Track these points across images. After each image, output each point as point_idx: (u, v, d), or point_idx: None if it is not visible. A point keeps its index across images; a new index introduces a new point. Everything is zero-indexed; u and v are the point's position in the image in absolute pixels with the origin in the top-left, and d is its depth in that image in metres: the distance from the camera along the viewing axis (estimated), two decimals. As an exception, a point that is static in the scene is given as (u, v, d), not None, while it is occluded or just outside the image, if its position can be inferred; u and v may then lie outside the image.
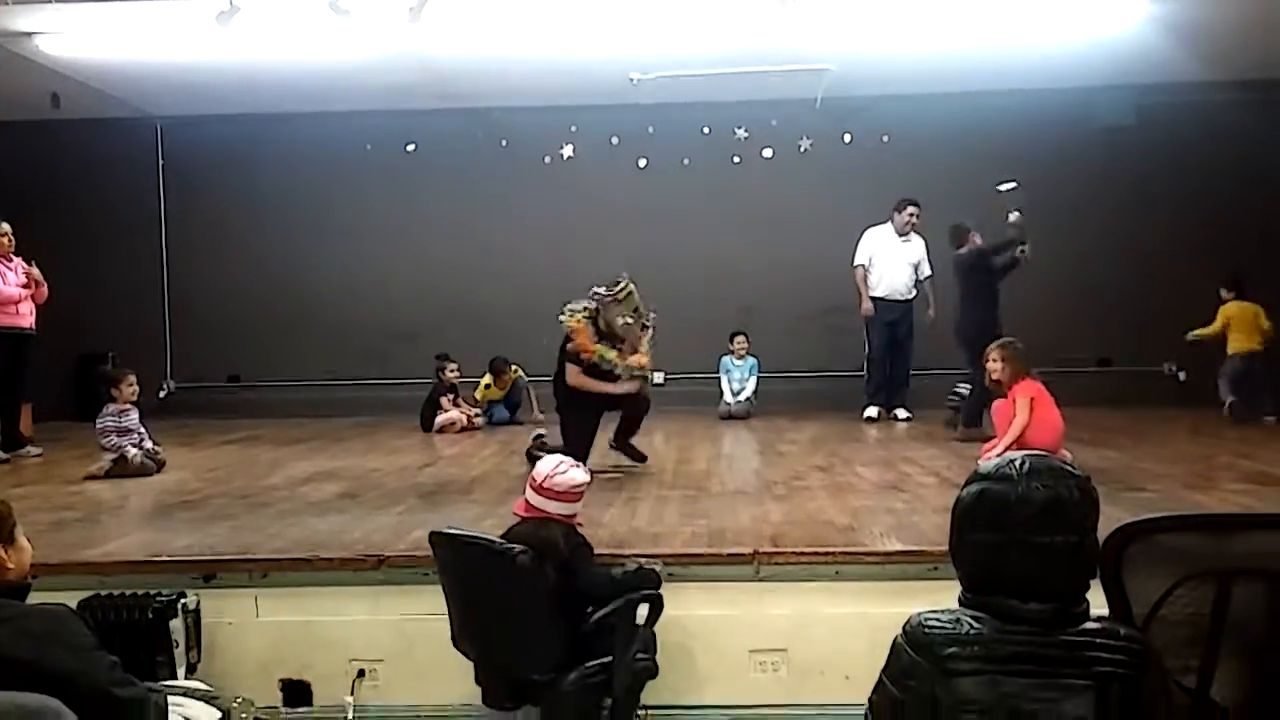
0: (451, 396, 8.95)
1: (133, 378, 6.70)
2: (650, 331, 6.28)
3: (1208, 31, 7.94)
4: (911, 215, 8.85)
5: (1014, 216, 7.46)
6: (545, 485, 3.64)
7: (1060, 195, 9.71)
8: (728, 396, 9.49)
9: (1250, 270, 9.00)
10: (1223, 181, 9.51)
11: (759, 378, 9.55)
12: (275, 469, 6.70)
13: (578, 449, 5.97)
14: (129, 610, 3.82)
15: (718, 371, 9.61)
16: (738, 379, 9.53)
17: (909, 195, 8.94)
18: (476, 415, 8.99)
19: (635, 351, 6.17)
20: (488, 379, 9.18)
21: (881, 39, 8.07)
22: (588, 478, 3.76)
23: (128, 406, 6.63)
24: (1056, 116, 9.64)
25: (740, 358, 9.57)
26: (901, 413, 8.91)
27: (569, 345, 6.11)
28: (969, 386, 7.45)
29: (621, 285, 6.07)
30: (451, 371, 9.02)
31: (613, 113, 9.91)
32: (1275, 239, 9.35)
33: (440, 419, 8.73)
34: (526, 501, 3.68)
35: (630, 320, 6.06)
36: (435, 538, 3.64)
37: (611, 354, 6.06)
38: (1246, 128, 9.26)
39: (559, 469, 3.68)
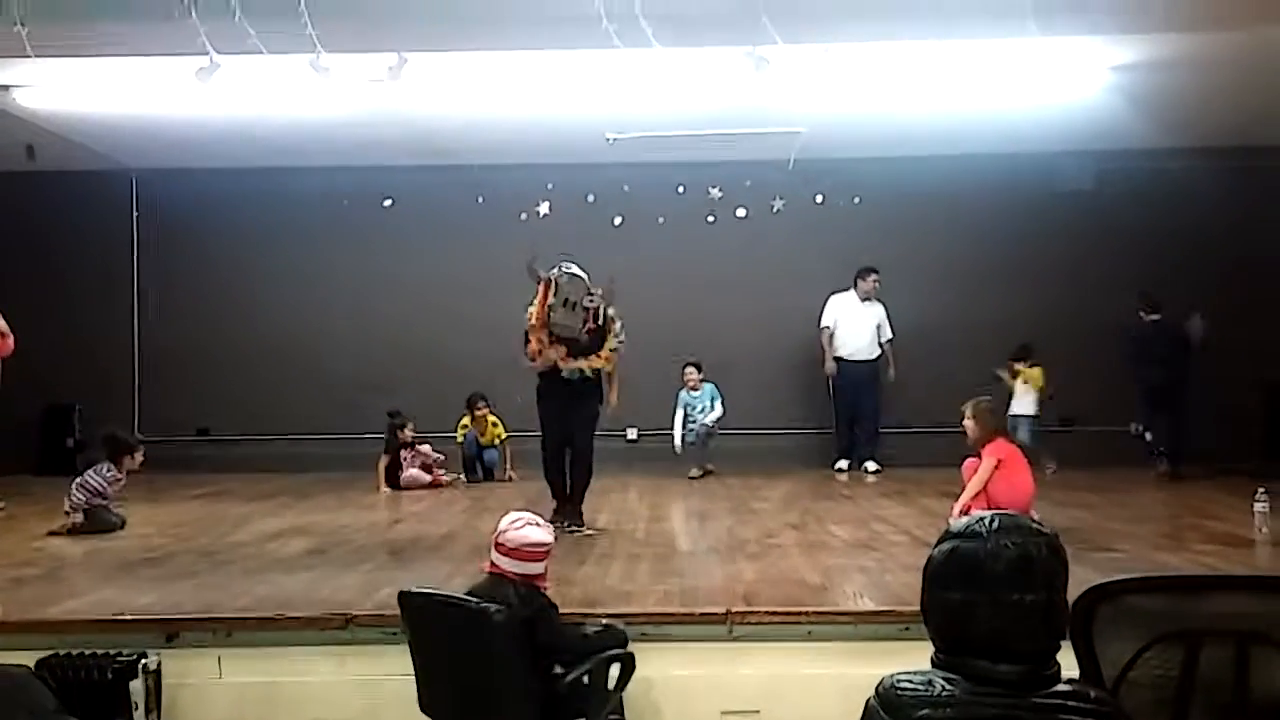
0: (411, 455, 8.75)
1: (143, 451, 6.61)
2: (618, 325, 6.14)
3: (1166, 100, 8.18)
4: (874, 282, 9.45)
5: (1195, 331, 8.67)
6: (500, 540, 3.56)
7: (1023, 257, 9.94)
8: (676, 436, 9.10)
9: (1213, 324, 9.24)
10: (1182, 245, 9.72)
11: (723, 401, 9.18)
12: (242, 525, 6.61)
13: (544, 449, 6.14)
14: (88, 670, 3.74)
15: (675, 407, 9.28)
16: (698, 410, 9.14)
17: (872, 261, 9.50)
18: (445, 475, 8.78)
19: (598, 347, 6.05)
20: (466, 419, 9.11)
21: (853, 103, 8.24)
22: (547, 537, 3.62)
23: (124, 477, 6.49)
24: (1021, 180, 9.87)
25: (695, 388, 9.25)
26: (871, 465, 9.26)
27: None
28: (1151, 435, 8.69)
29: (540, 282, 5.98)
30: (408, 431, 8.78)
31: (589, 171, 10.02)
32: (1235, 300, 9.53)
33: (404, 477, 8.60)
34: (490, 558, 3.62)
35: (566, 321, 5.92)
36: (405, 597, 3.57)
37: (550, 352, 6.04)
38: (1205, 193, 9.48)
39: (515, 524, 3.57)
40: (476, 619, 3.31)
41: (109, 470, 6.42)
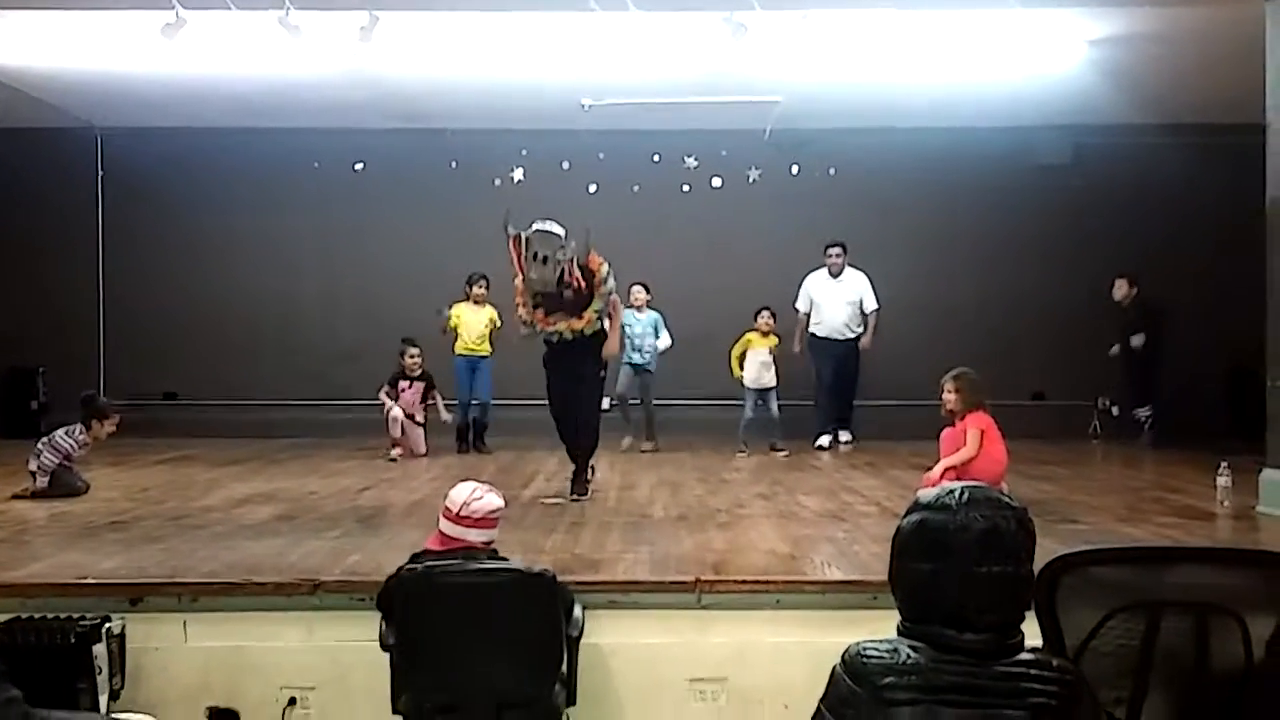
0: (410, 389, 8.36)
1: (118, 419, 6.49)
2: (606, 287, 5.94)
3: (1142, 76, 8.21)
4: (834, 256, 9.18)
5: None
6: (463, 514, 3.52)
7: (998, 231, 9.99)
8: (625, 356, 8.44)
9: (1183, 300, 9.35)
10: (1155, 219, 9.81)
11: (670, 334, 8.81)
12: (210, 490, 6.55)
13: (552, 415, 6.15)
14: (50, 634, 3.69)
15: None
16: (638, 334, 8.62)
17: (846, 234, 9.31)
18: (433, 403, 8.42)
19: (584, 307, 5.86)
20: (459, 307, 8.70)
21: (829, 73, 8.21)
22: (503, 502, 3.68)
23: (92, 442, 6.39)
24: (997, 153, 9.88)
25: (640, 310, 8.71)
26: (844, 435, 9.26)
27: None
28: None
29: (510, 240, 5.82)
30: (409, 358, 8.45)
31: (564, 138, 9.92)
32: (1205, 278, 9.64)
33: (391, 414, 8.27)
34: (441, 533, 3.54)
35: (538, 275, 5.75)
36: (422, 577, 3.40)
37: (522, 311, 5.97)
38: (1178, 168, 9.56)
39: (475, 495, 3.56)
40: (538, 581, 3.38)
41: (80, 433, 6.34)
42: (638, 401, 8.85)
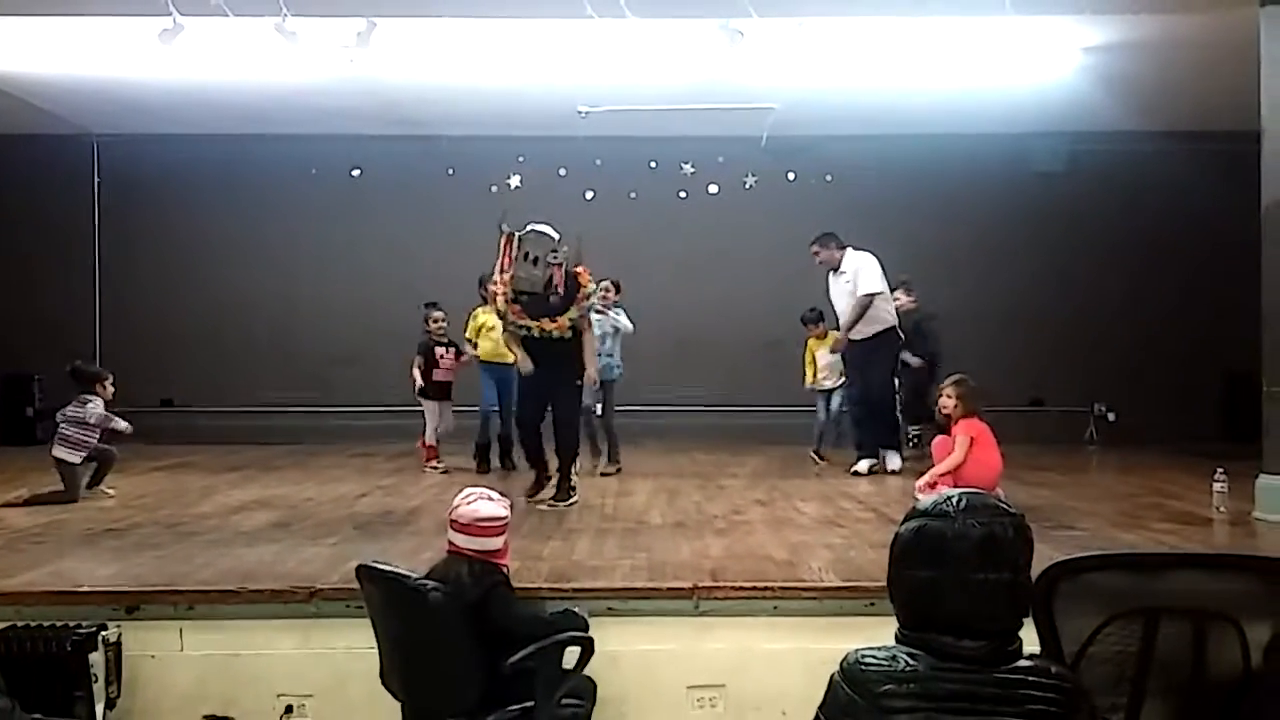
0: (444, 354, 7.82)
1: (109, 376, 6.67)
2: (587, 304, 6.02)
3: (1137, 83, 8.24)
4: (813, 254, 7.79)
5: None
6: (453, 517, 3.47)
7: (994, 238, 10.01)
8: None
9: (1178, 306, 9.35)
10: (1150, 226, 9.86)
11: (627, 328, 7.79)
12: (206, 497, 6.54)
13: (518, 411, 6.29)
14: (46, 642, 3.69)
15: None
16: (598, 333, 7.04)
17: (839, 234, 7.99)
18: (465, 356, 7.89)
19: (564, 311, 5.91)
20: (483, 315, 7.70)
21: (825, 80, 8.23)
22: (500, 511, 3.50)
23: (99, 402, 6.50)
24: (993, 160, 9.92)
25: (610, 307, 7.70)
26: (863, 465, 7.57)
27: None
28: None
29: (504, 237, 5.88)
30: (436, 319, 7.86)
31: (561, 144, 9.94)
32: (1199, 286, 9.67)
33: (439, 374, 7.80)
34: (449, 537, 3.54)
35: (526, 274, 5.81)
36: (361, 571, 3.52)
37: (500, 303, 6.00)
38: (1173, 175, 9.61)
39: (466, 500, 3.48)
40: (416, 596, 3.25)
41: (96, 400, 6.44)
42: (597, 415, 7.79)
